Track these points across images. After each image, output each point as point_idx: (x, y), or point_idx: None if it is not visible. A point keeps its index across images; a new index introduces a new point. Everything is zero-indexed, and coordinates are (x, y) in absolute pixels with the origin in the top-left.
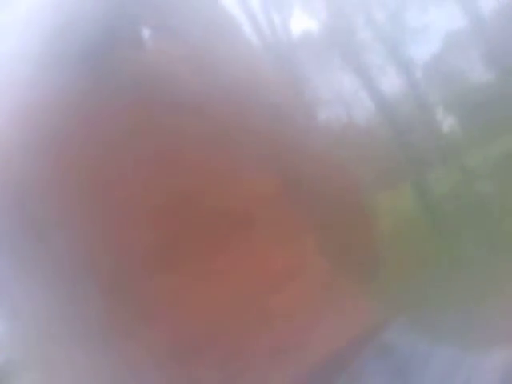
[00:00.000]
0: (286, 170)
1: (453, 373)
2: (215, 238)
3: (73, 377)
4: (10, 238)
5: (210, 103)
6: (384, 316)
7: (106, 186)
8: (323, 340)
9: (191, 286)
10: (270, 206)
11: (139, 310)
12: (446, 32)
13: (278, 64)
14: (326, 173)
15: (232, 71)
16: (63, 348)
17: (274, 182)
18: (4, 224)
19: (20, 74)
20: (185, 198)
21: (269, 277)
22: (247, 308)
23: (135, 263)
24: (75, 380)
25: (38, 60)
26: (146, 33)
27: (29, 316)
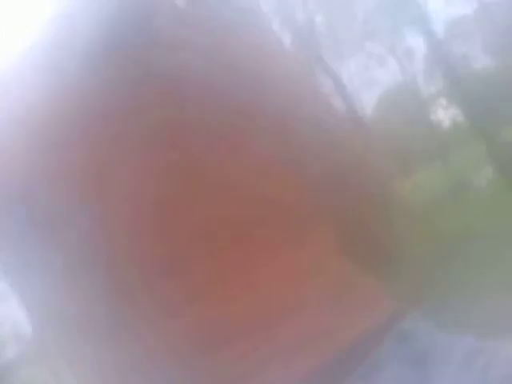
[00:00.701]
0: (303, 165)
1: (472, 359)
2: (235, 234)
3: (93, 366)
4: (23, 231)
5: (229, 95)
6: (404, 305)
7: (127, 178)
8: (346, 329)
9: (218, 279)
10: (287, 206)
11: (164, 303)
12: (448, 19)
13: (297, 51)
14: (349, 164)
15: (253, 60)
16: (86, 337)
17: (290, 183)
18: (15, 217)
19: (44, 63)
20: (198, 205)
21: (294, 270)
22: (273, 299)
23: (161, 259)
24: (96, 368)
25: (62, 50)
26: (163, 23)
27: (48, 310)
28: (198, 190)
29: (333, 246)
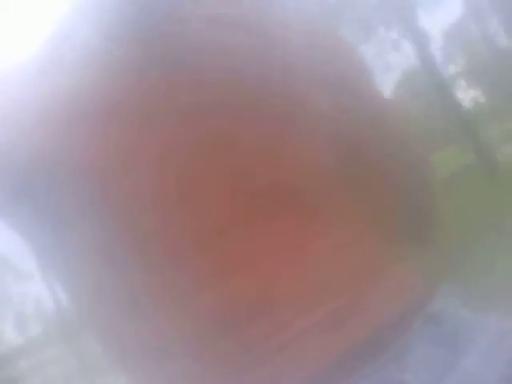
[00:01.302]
0: (345, 140)
1: (501, 339)
2: (269, 209)
3: (121, 343)
4: (56, 210)
5: (265, 72)
6: (432, 287)
7: (162, 161)
8: (377, 310)
9: (244, 258)
10: (324, 178)
11: (193, 279)
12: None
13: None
14: (389, 141)
15: (289, 37)
16: (113, 315)
17: (329, 154)
18: (48, 197)
19: (74, 43)
20: (239, 173)
21: (326, 246)
22: (304, 275)
23: (187, 238)
24: (124, 345)
25: (94, 33)
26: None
27: (80, 284)
28: (232, 163)
29: (368, 225)
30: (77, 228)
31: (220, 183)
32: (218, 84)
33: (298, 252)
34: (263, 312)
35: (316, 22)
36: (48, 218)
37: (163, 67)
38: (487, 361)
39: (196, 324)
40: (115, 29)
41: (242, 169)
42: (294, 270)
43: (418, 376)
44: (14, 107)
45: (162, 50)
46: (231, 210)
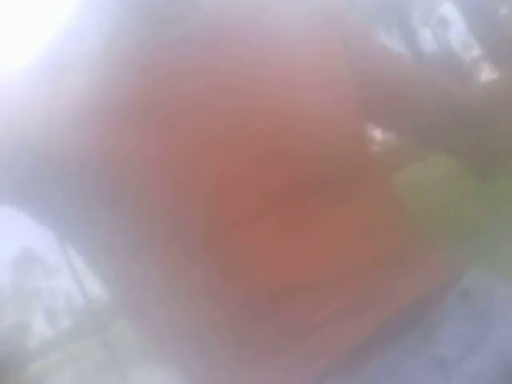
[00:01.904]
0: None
1: None
2: (296, 195)
3: (155, 331)
4: (84, 202)
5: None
6: (464, 263)
7: (191, 149)
8: (408, 288)
9: (271, 245)
10: (351, 162)
11: (221, 267)
12: None
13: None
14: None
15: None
16: (145, 303)
17: (355, 141)
18: (75, 189)
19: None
20: (262, 161)
21: (354, 230)
22: (338, 256)
23: (215, 224)
24: (158, 333)
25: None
26: None
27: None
28: (254, 150)
29: (396, 202)
30: (101, 219)
31: (245, 171)
32: (229, 71)
33: (324, 237)
34: (291, 297)
35: None
36: (71, 210)
37: (166, 60)
38: None
39: (226, 311)
40: (118, 27)
41: (264, 157)
42: (320, 255)
43: (448, 350)
44: (19, 108)
45: (164, 45)
46: (258, 198)
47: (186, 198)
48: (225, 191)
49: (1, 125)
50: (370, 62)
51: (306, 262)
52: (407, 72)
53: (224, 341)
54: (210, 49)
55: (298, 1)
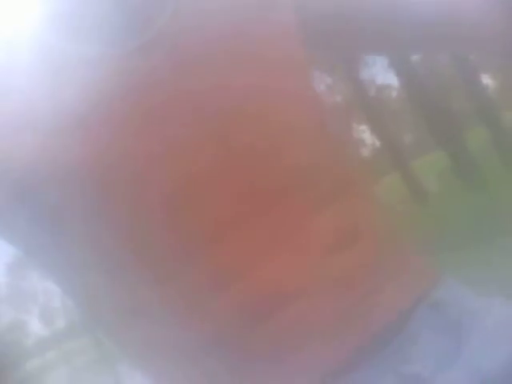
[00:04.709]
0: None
1: (505, 322)
2: (281, 197)
3: (135, 345)
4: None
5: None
6: (436, 274)
7: (167, 159)
8: (392, 300)
9: (259, 250)
10: (338, 162)
11: (210, 277)
12: None
13: None
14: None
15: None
16: (119, 319)
17: (328, 144)
18: (55, 197)
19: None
20: (242, 167)
21: (334, 237)
22: (311, 270)
23: (201, 235)
24: (136, 347)
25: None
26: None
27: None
28: (239, 154)
29: (373, 208)
30: (77, 231)
31: (228, 175)
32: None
33: (309, 242)
34: (283, 306)
35: None
36: (47, 220)
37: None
38: (492, 347)
39: (217, 322)
40: (113, 30)
41: (251, 158)
42: (306, 260)
43: (422, 367)
44: (13, 112)
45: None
46: (243, 201)
47: (177, 206)
48: (207, 197)
49: None
50: None
51: (294, 268)
52: None
53: (215, 353)
54: (176, 56)
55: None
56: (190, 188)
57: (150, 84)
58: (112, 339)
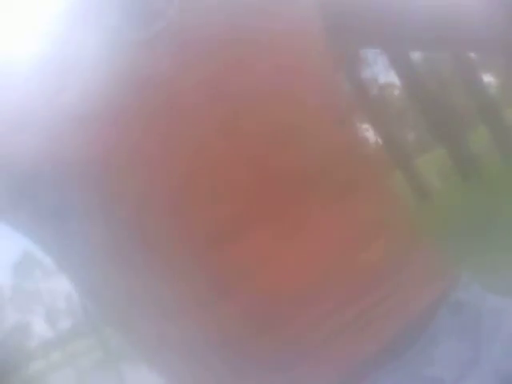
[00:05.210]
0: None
1: None
2: (290, 198)
3: (143, 342)
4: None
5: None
6: (454, 274)
7: (170, 155)
8: (406, 303)
9: (269, 250)
10: (346, 159)
11: (216, 280)
12: None
13: None
14: None
15: None
16: (130, 316)
17: (349, 133)
18: (58, 193)
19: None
20: (253, 161)
21: (355, 234)
22: (334, 268)
23: (207, 235)
24: (145, 344)
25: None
26: None
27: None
28: (251, 151)
29: (393, 203)
30: (84, 227)
31: (234, 172)
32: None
33: (319, 240)
34: (294, 308)
35: None
36: (52, 216)
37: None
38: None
39: (222, 326)
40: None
41: (258, 153)
42: (316, 260)
43: (445, 371)
44: (17, 107)
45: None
46: (250, 198)
47: (184, 205)
48: (219, 191)
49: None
50: None
51: (304, 269)
52: None
53: (221, 355)
54: (187, 47)
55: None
56: (203, 180)
57: (161, 76)
58: (122, 335)
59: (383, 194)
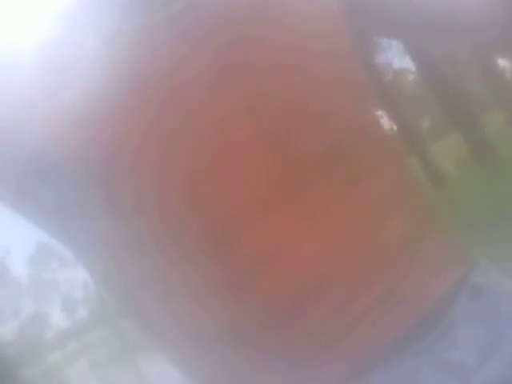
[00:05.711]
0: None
1: None
2: (311, 178)
3: (157, 331)
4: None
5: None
6: (472, 259)
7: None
8: (429, 284)
9: (283, 240)
10: (364, 139)
11: (226, 272)
12: None
13: None
14: None
15: None
16: (144, 305)
17: (368, 113)
18: (75, 187)
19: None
20: (278, 140)
21: (372, 213)
22: (350, 248)
23: (227, 224)
24: (159, 333)
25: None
26: None
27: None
28: (277, 130)
29: (411, 185)
30: (100, 219)
31: (250, 156)
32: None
33: (335, 224)
34: (312, 298)
35: None
36: (68, 208)
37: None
38: None
39: (240, 318)
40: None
41: (280, 133)
42: (334, 246)
43: (466, 355)
44: (18, 99)
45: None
46: (274, 180)
47: (192, 196)
48: (233, 183)
49: (1, 120)
50: None
51: (322, 256)
52: None
53: (236, 348)
54: (203, 30)
55: None
56: (223, 166)
57: (179, 56)
58: (136, 324)
59: (400, 174)
